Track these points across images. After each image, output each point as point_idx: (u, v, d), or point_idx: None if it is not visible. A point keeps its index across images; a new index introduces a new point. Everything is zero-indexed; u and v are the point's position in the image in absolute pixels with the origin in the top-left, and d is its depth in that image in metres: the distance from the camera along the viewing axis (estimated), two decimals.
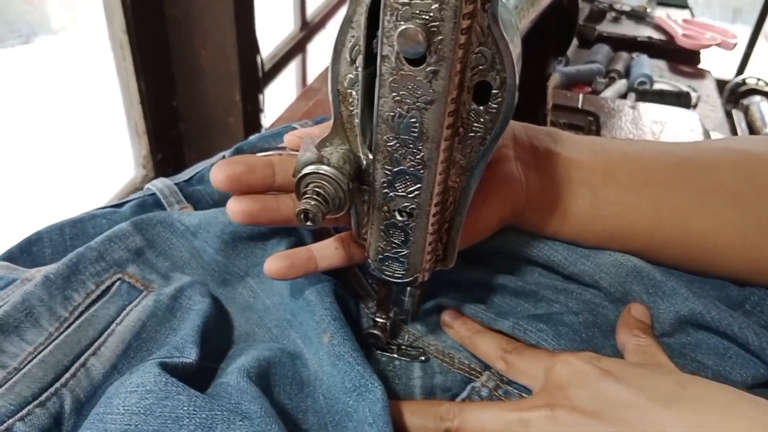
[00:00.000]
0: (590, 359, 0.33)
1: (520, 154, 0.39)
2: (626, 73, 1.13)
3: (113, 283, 0.37)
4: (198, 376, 0.33)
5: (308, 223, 0.29)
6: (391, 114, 0.28)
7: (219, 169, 0.33)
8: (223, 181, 0.33)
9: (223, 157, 0.49)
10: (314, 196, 0.29)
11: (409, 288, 0.36)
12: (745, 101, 1.61)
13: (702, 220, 0.39)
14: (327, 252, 0.36)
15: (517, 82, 0.27)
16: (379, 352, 0.39)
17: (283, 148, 0.37)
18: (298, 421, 0.33)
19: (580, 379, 0.32)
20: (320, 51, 1.89)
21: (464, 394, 0.36)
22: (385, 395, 0.32)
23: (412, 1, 0.24)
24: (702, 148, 0.43)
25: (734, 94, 1.66)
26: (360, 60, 0.28)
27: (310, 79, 1.80)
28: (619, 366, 0.32)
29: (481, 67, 0.27)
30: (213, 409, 0.29)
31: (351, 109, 0.30)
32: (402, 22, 0.24)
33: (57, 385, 0.32)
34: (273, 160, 0.34)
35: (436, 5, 0.24)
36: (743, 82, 1.67)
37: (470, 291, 0.41)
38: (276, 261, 0.35)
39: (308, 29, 1.80)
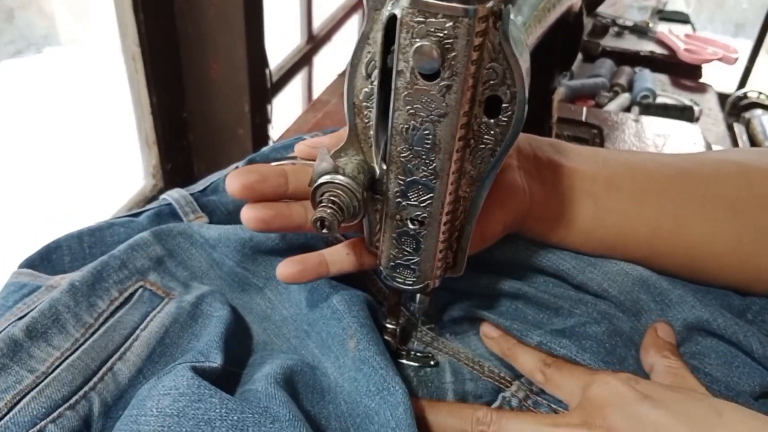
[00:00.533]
0: (628, 380, 0.33)
1: (524, 164, 0.40)
2: (629, 87, 1.14)
3: (136, 291, 0.38)
4: (224, 381, 0.34)
5: (324, 231, 0.30)
6: (405, 126, 0.29)
7: (234, 178, 0.34)
8: (238, 189, 0.34)
9: (237, 167, 0.51)
10: (330, 205, 0.30)
11: (419, 295, 0.36)
12: (746, 115, 1.62)
13: (701, 229, 0.39)
14: (338, 257, 0.37)
15: (527, 96, 0.28)
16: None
17: (295, 158, 0.38)
18: (321, 426, 0.33)
19: (618, 400, 0.32)
20: (326, 64, 1.91)
21: (497, 403, 0.36)
22: (408, 398, 0.32)
23: (428, 19, 0.25)
24: (702, 159, 0.44)
25: (736, 108, 1.67)
26: (375, 74, 0.29)
27: (316, 91, 1.82)
28: (656, 389, 0.32)
29: (492, 82, 0.28)
30: (244, 411, 0.29)
31: (366, 121, 0.31)
32: (417, 39, 0.26)
33: (86, 388, 0.33)
34: (286, 169, 0.35)
35: (450, 23, 0.25)
36: (745, 96, 1.69)
37: (494, 301, 0.42)
38: (288, 265, 0.36)
39: (314, 42, 1.82)
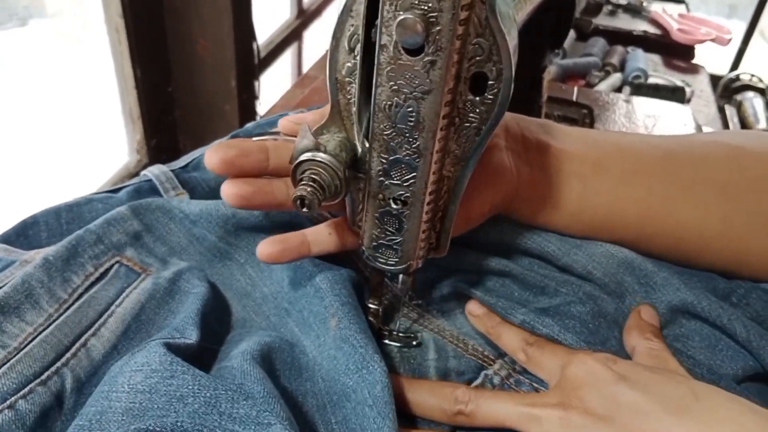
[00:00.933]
0: (606, 361, 0.33)
1: (511, 144, 0.39)
2: (621, 67, 1.13)
3: (112, 266, 0.38)
4: (199, 358, 0.33)
5: (304, 210, 0.29)
6: (388, 103, 0.28)
7: (213, 153, 0.33)
8: (217, 164, 0.33)
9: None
10: (310, 183, 0.29)
11: (401, 275, 0.36)
12: (738, 97, 1.62)
13: (690, 212, 0.39)
14: (320, 237, 0.36)
15: (513, 73, 0.27)
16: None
17: (278, 134, 0.37)
18: (297, 404, 0.33)
19: (594, 381, 0.32)
20: (316, 39, 1.88)
21: (478, 381, 0.37)
22: (387, 376, 0.32)
23: None
24: (692, 141, 0.43)
25: (727, 90, 1.67)
26: (359, 49, 0.28)
27: (305, 67, 1.80)
28: (634, 370, 0.32)
29: (478, 58, 0.27)
30: (217, 388, 0.29)
31: (348, 97, 0.30)
32: (401, 12, 0.25)
33: (58, 364, 0.32)
34: (267, 144, 0.34)
35: None
36: (737, 78, 1.69)
37: (480, 277, 0.42)
38: (269, 245, 0.35)
39: (305, 17, 1.79)
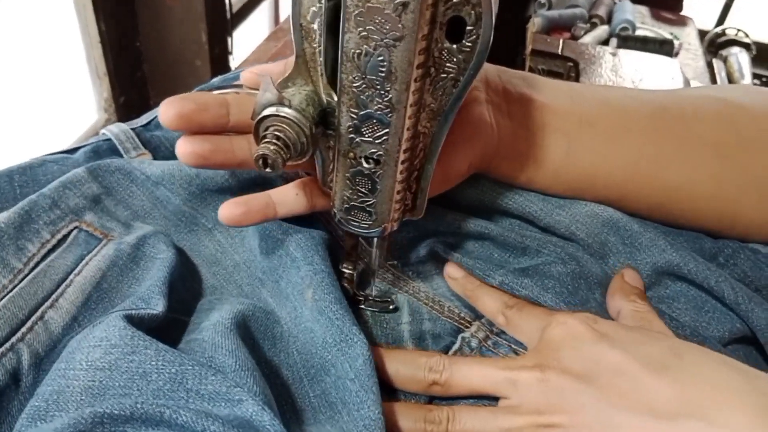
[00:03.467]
0: (586, 320, 0.32)
1: (492, 97, 0.37)
2: (608, 19, 1.10)
3: (70, 232, 0.36)
4: (166, 329, 0.32)
5: (267, 169, 0.27)
6: (357, 51, 0.25)
7: (169, 106, 0.30)
8: (173, 118, 0.30)
9: None
10: (274, 141, 0.27)
11: (376, 239, 0.34)
12: (723, 52, 1.60)
13: (680, 171, 0.38)
14: (287, 198, 0.34)
15: (494, 19, 0.25)
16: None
17: (240, 87, 0.34)
18: (271, 375, 0.32)
19: (573, 341, 0.31)
20: None
21: (456, 346, 0.36)
22: (368, 349, 0.31)
23: None
24: (682, 96, 0.41)
25: (714, 45, 1.65)
26: None
27: (283, 19, 1.74)
28: (615, 329, 0.31)
29: (455, 0, 0.24)
30: (183, 363, 0.27)
31: (315, 45, 0.28)
32: None
33: (13, 339, 0.30)
34: (228, 99, 0.32)
35: None
36: (723, 33, 1.66)
37: (459, 239, 0.40)
38: (231, 207, 0.33)
39: None
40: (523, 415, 0.30)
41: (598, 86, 0.45)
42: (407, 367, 0.33)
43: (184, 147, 0.31)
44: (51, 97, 1.09)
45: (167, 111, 0.30)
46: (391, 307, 0.38)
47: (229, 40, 1.20)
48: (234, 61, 1.26)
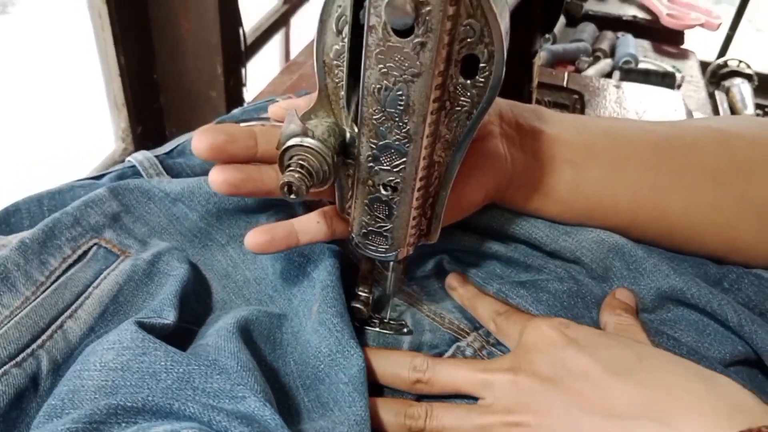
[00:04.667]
0: (559, 325, 0.33)
1: (506, 130, 0.39)
2: (611, 53, 1.13)
3: (90, 248, 0.37)
4: (176, 338, 0.33)
5: (292, 196, 0.29)
6: (377, 86, 0.27)
7: (201, 138, 0.32)
8: (206, 149, 0.32)
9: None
10: (298, 169, 0.29)
11: (392, 263, 0.36)
12: (726, 83, 1.62)
13: (681, 199, 0.39)
14: (309, 226, 0.35)
15: (505, 56, 0.27)
16: (363, 326, 0.39)
17: (267, 119, 0.36)
18: (269, 380, 0.33)
19: (545, 345, 0.33)
20: (304, 25, 1.86)
21: (449, 353, 0.37)
22: (363, 362, 0.32)
23: None
24: (683, 126, 0.43)
25: (716, 76, 1.67)
26: (346, 31, 0.28)
27: (293, 53, 1.78)
28: (585, 335, 0.33)
29: (469, 39, 0.26)
30: (190, 363, 0.29)
31: (336, 81, 0.30)
32: None
33: (33, 346, 0.32)
34: (255, 130, 0.33)
35: None
36: (725, 64, 1.68)
37: (464, 257, 0.42)
38: (256, 235, 0.34)
39: (292, 2, 1.77)
40: (495, 413, 0.32)
41: (602, 118, 0.47)
42: (393, 365, 0.35)
43: (216, 176, 0.32)
44: (71, 126, 1.12)
45: (200, 142, 0.32)
46: (405, 330, 0.39)
47: (243, 72, 1.23)
48: (248, 93, 1.29)
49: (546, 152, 0.39)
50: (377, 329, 0.39)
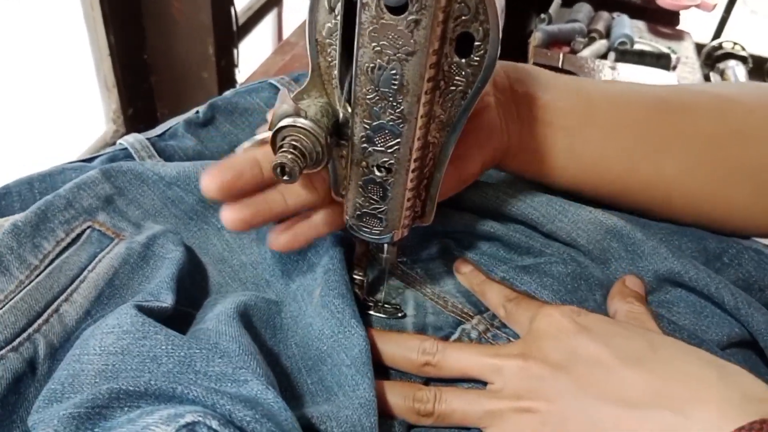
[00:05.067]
0: (571, 313, 0.33)
1: (500, 99, 0.38)
2: (607, 33, 1.12)
3: (83, 231, 0.37)
4: (173, 321, 0.33)
5: (285, 177, 0.28)
6: (371, 65, 0.27)
7: (210, 181, 0.31)
8: (216, 191, 0.32)
9: (197, 112, 0.48)
10: (291, 150, 0.28)
11: (386, 245, 0.35)
12: (720, 65, 1.61)
13: (676, 164, 0.39)
14: (294, 188, 0.34)
15: (501, 34, 0.26)
16: None
17: (266, 141, 0.35)
18: (270, 364, 0.33)
19: (556, 332, 0.32)
20: (297, 4, 1.83)
21: (455, 336, 0.37)
22: (365, 341, 0.32)
23: None
24: (681, 89, 0.43)
25: (711, 58, 1.66)
26: (339, 8, 0.27)
27: (286, 33, 1.75)
28: (597, 322, 0.33)
29: (464, 17, 0.26)
30: (191, 347, 0.29)
31: (329, 60, 0.29)
32: None
33: (30, 330, 0.32)
34: (258, 157, 0.32)
35: None
36: (720, 46, 1.68)
37: (465, 239, 0.42)
38: (279, 236, 0.34)
39: None
40: (504, 399, 0.32)
41: (601, 81, 0.46)
42: (401, 348, 0.35)
43: (229, 216, 0.32)
44: (61, 108, 1.11)
45: (209, 185, 0.31)
46: (400, 314, 0.39)
47: (235, 52, 1.22)
48: (240, 74, 1.27)
49: (541, 119, 0.39)
50: (371, 312, 0.39)
